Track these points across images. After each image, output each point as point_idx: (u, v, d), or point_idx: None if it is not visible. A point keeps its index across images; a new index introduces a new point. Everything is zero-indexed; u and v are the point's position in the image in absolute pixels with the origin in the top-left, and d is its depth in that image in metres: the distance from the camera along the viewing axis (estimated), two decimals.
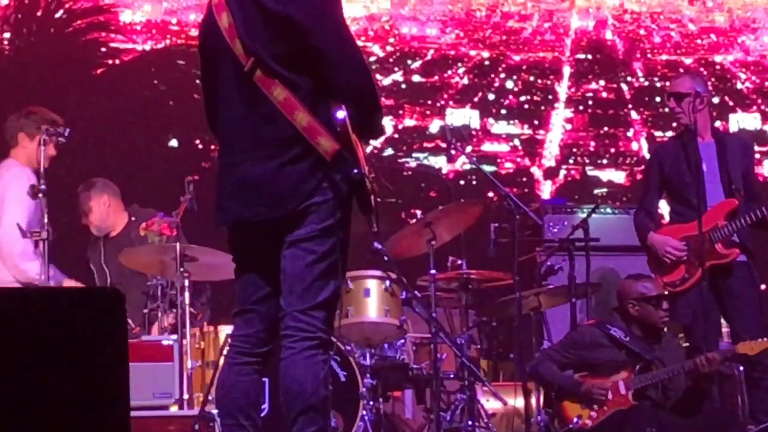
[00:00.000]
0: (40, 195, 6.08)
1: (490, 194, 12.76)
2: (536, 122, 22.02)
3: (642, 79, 22.81)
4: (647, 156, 16.85)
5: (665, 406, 6.33)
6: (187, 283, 6.80)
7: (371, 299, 7.06)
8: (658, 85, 21.85)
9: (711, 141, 6.88)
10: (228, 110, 4.37)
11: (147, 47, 20.47)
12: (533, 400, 6.96)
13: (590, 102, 22.45)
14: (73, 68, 17.45)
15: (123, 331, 3.07)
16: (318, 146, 4.18)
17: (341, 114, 4.19)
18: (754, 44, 22.75)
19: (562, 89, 22.47)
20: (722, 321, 7.06)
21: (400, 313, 7.10)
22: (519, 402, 7.02)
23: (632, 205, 8.43)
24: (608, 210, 9.27)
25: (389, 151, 20.14)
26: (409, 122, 21.37)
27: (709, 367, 6.14)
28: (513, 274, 6.89)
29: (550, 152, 21.52)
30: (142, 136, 17.24)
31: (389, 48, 22.49)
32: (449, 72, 22.43)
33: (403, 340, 7.36)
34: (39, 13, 18.18)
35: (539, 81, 22.64)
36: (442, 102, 21.89)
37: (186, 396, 6.67)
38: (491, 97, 22.23)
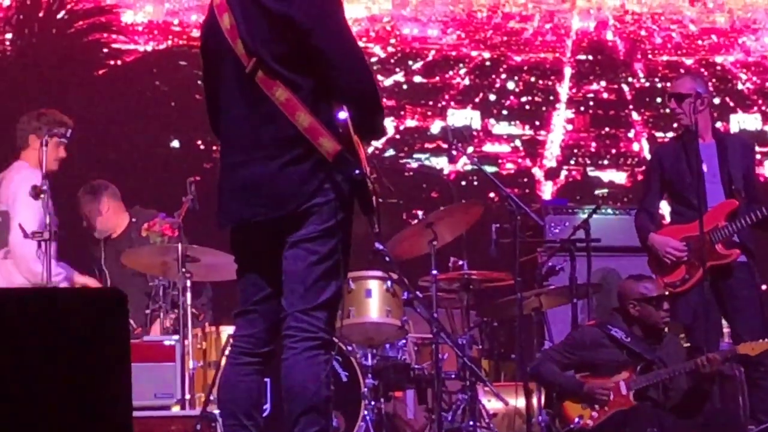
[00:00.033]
0: (42, 196, 6.07)
1: (492, 195, 12.77)
2: (537, 123, 22.02)
3: (643, 80, 22.81)
4: (648, 157, 16.85)
5: (666, 406, 6.33)
6: (189, 283, 6.80)
7: (373, 300, 7.06)
8: (659, 85, 21.85)
9: (712, 142, 6.88)
10: (230, 111, 4.37)
11: (149, 48, 20.48)
12: (534, 401, 6.96)
13: (591, 103, 22.45)
14: (74, 69, 17.45)
15: (125, 331, 3.07)
16: (320, 147, 4.19)
17: (343, 115, 4.19)
18: (755, 45, 22.75)
19: (563, 90, 22.47)
20: (723, 321, 7.06)
21: (401, 313, 7.10)
22: (520, 402, 7.02)
23: (633, 205, 8.43)
24: (609, 211, 9.27)
25: (391, 152, 20.14)
26: (410, 123, 21.38)
27: (710, 367, 6.14)
28: (514, 275, 6.89)
29: (551, 153, 21.52)
30: (144, 137, 17.24)
31: (390, 49, 22.49)
32: (450, 73, 22.43)
33: (404, 341, 7.36)
34: (41, 14, 18.19)
35: (540, 82, 22.64)
36: (444, 103, 21.89)
37: (188, 396, 6.67)
38: (492, 97, 22.23)
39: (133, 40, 20.02)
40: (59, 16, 18.35)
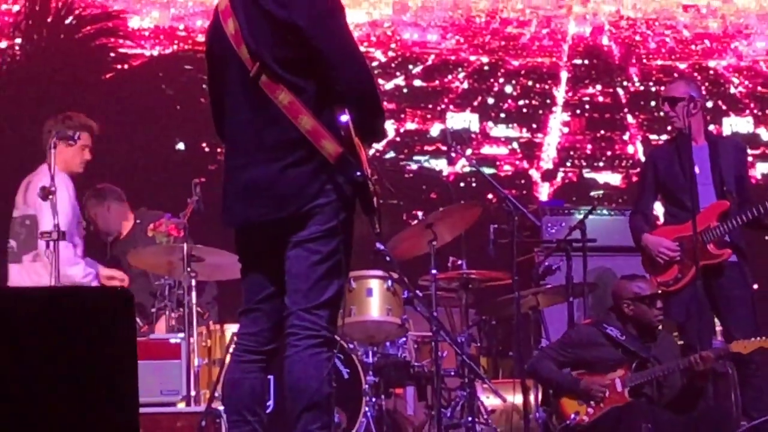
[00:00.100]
0: (51, 197, 6.06)
1: (490, 196, 12.78)
2: (534, 126, 22.03)
3: (637, 84, 22.82)
4: (642, 159, 16.86)
5: (660, 403, 6.32)
6: (194, 282, 6.80)
7: (374, 298, 7.06)
8: (654, 89, 21.87)
9: (704, 144, 6.88)
10: (234, 114, 4.37)
11: (155, 53, 20.50)
12: (532, 397, 6.96)
13: (587, 106, 22.46)
14: (82, 73, 17.45)
15: (132, 329, 3.08)
16: (322, 149, 4.19)
17: (345, 118, 4.20)
18: (747, 50, 22.75)
19: (560, 93, 22.48)
20: (716, 320, 7.06)
21: (401, 312, 7.10)
22: (518, 399, 7.02)
23: (628, 206, 8.42)
24: (605, 211, 9.26)
25: (391, 154, 20.15)
26: (410, 126, 21.38)
27: (703, 365, 6.14)
28: (512, 274, 6.88)
29: (548, 155, 21.52)
30: (150, 140, 17.23)
31: (391, 53, 22.50)
32: (450, 77, 22.44)
33: (404, 339, 7.36)
34: (49, 20, 18.18)
35: (537, 85, 22.65)
36: (443, 106, 21.90)
37: (193, 393, 6.66)
38: (490, 101, 22.24)
39: (140, 44, 20.04)
40: (67, 21, 18.35)
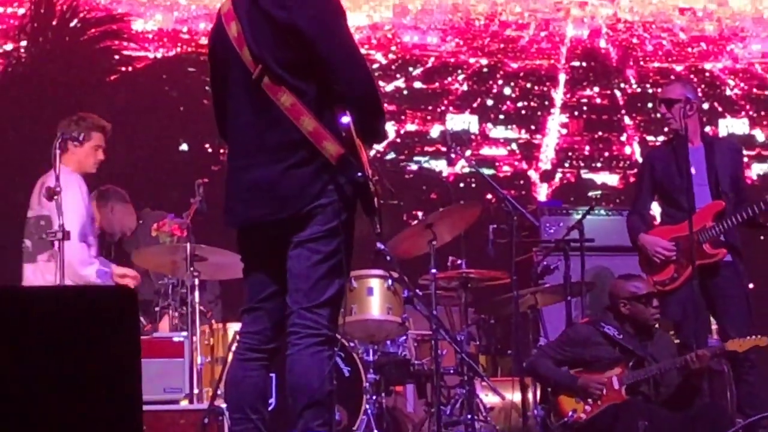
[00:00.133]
0: (56, 197, 6.06)
1: (489, 196, 12.76)
2: (533, 127, 22.04)
3: (635, 86, 22.82)
4: (640, 160, 16.86)
5: (657, 400, 6.32)
6: (197, 281, 6.81)
7: (374, 297, 7.06)
8: (650, 91, 21.87)
9: (700, 145, 6.87)
10: (237, 116, 4.37)
11: (158, 55, 20.50)
12: (530, 395, 6.96)
13: (585, 108, 22.47)
14: (86, 75, 17.45)
15: (135, 328, 3.08)
16: (323, 150, 4.19)
17: (346, 119, 4.20)
18: (743, 52, 22.76)
19: (558, 95, 22.49)
20: (711, 319, 7.06)
21: (401, 310, 7.10)
22: (516, 396, 7.02)
23: (625, 207, 8.43)
24: (602, 212, 9.26)
25: (392, 155, 20.15)
26: (410, 127, 21.39)
27: (699, 363, 6.14)
28: (511, 274, 6.89)
29: (547, 156, 21.53)
30: (154, 141, 17.23)
31: (391, 56, 22.51)
32: (449, 79, 22.44)
33: (404, 337, 7.36)
34: (54, 22, 18.19)
35: (536, 87, 22.66)
36: (443, 107, 21.91)
37: (196, 391, 6.67)
38: (490, 102, 22.25)
39: (144, 47, 20.04)
40: (72, 24, 18.36)
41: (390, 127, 19.50)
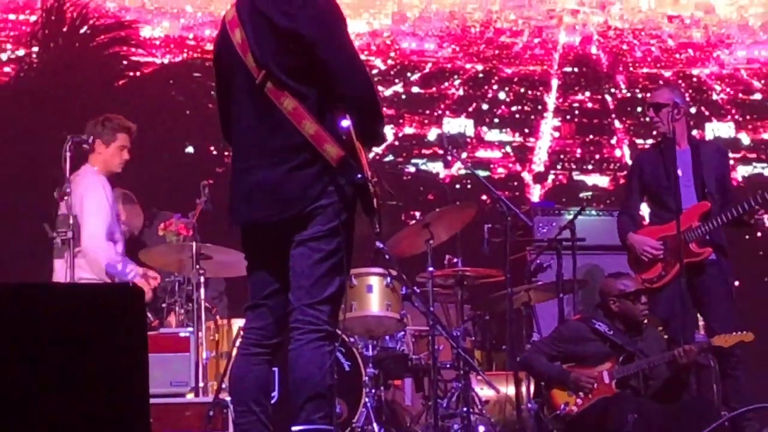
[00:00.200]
0: (66, 198, 6.06)
1: (484, 197, 12.77)
2: (526, 130, 22.05)
3: (624, 91, 22.84)
4: (629, 162, 16.86)
5: (646, 394, 6.32)
6: (202, 279, 6.81)
7: (374, 295, 7.06)
8: (640, 96, 21.89)
9: (687, 148, 6.87)
10: (241, 119, 4.37)
11: (165, 60, 20.51)
12: (524, 389, 6.96)
13: (577, 112, 22.49)
14: (96, 80, 17.44)
15: (143, 324, 3.08)
16: (324, 153, 4.19)
17: (346, 123, 4.19)
18: (729, 58, 22.77)
19: (551, 100, 22.50)
20: (698, 315, 7.06)
21: (400, 307, 7.10)
22: (511, 390, 7.02)
23: (615, 207, 8.42)
24: (593, 212, 9.26)
25: (390, 157, 20.15)
26: (408, 130, 21.39)
27: (686, 358, 6.14)
28: (505, 272, 6.88)
29: (540, 158, 21.54)
30: (161, 143, 17.22)
31: (390, 61, 22.52)
32: (446, 84, 22.45)
33: (403, 333, 7.36)
34: (65, 29, 18.17)
35: (529, 92, 22.67)
36: (440, 111, 21.91)
37: (201, 384, 6.66)
38: (485, 107, 22.26)
39: (151, 53, 20.04)
40: (82, 31, 18.34)
41: (389, 131, 19.52)
